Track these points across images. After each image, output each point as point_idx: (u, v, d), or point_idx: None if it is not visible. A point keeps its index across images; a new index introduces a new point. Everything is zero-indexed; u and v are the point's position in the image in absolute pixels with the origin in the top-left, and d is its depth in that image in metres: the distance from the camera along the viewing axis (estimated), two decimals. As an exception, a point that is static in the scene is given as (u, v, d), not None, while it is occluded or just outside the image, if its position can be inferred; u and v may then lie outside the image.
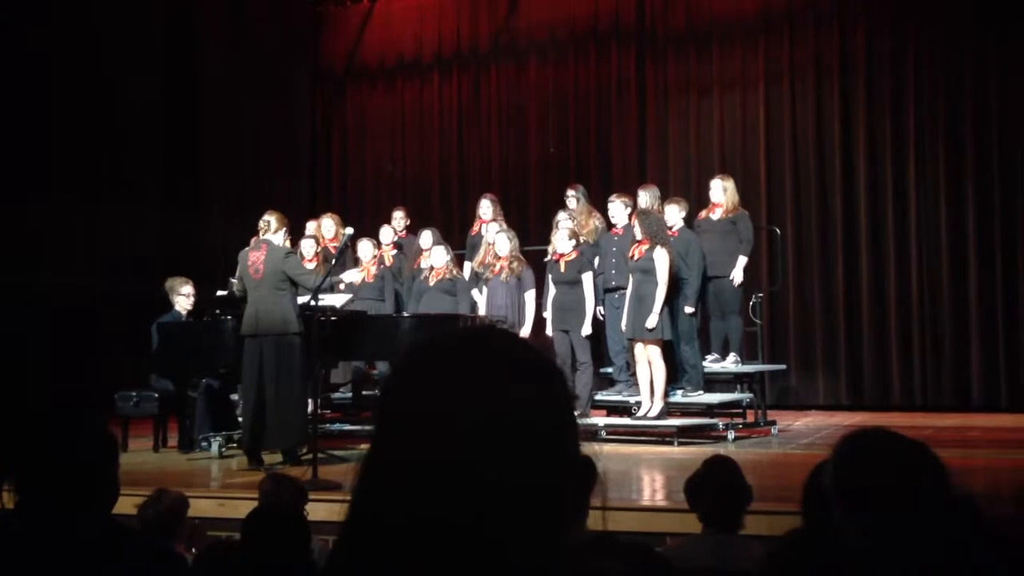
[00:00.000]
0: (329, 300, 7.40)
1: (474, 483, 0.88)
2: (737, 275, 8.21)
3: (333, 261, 7.59)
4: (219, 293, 7.85)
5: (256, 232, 7.28)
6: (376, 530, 0.91)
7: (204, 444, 7.51)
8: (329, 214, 9.29)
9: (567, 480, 0.92)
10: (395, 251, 9.25)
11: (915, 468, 1.86)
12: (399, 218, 9.71)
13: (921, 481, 1.85)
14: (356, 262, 8.84)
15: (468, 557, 0.88)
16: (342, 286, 8.12)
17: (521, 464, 0.89)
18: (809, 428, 8.49)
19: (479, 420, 0.89)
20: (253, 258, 6.87)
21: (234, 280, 7.84)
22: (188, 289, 8.13)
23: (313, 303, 6.49)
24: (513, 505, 0.89)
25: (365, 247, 8.78)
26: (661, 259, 7.44)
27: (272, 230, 6.92)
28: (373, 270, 8.75)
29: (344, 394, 8.89)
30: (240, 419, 7.35)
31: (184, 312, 8.09)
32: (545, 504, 0.90)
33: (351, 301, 7.82)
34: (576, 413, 0.96)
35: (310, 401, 6.96)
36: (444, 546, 0.88)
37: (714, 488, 3.26)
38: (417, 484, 0.89)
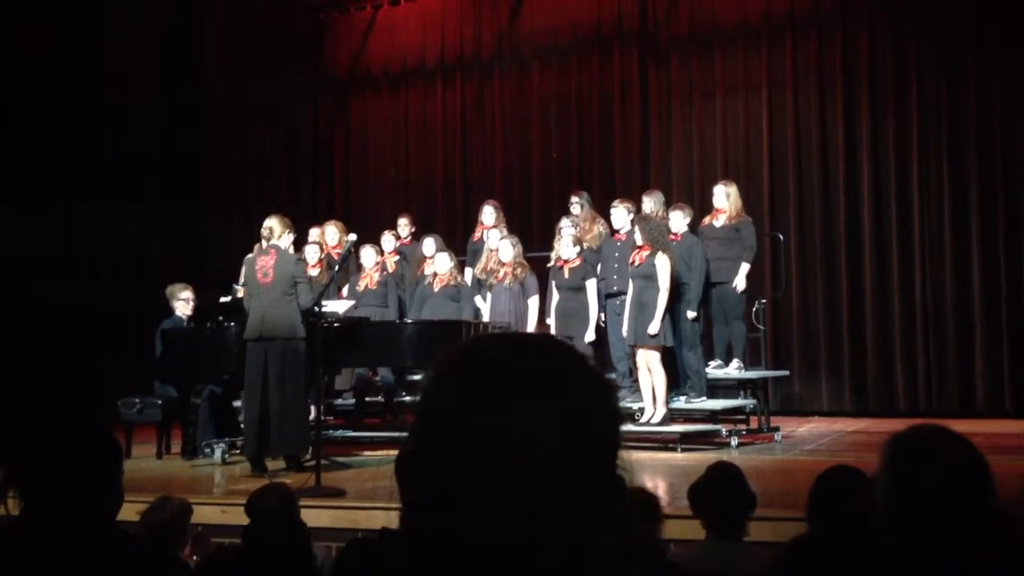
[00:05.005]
0: (332, 307, 7.40)
1: (517, 492, 0.89)
2: (740, 282, 8.20)
3: (336, 268, 7.60)
4: (222, 300, 7.86)
5: (258, 239, 7.27)
6: (419, 534, 0.92)
7: (207, 451, 7.50)
8: (333, 221, 9.29)
9: (604, 493, 0.93)
10: (397, 258, 9.24)
11: (973, 474, 1.84)
12: (404, 225, 9.69)
13: (976, 488, 1.83)
14: (359, 268, 8.84)
15: (507, 561, 0.89)
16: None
17: (564, 475, 0.90)
18: (813, 434, 8.47)
19: (527, 429, 0.90)
20: (262, 263, 6.85)
21: (238, 286, 7.84)
22: (187, 294, 8.15)
23: (316, 309, 6.49)
24: (551, 513, 0.89)
25: (368, 254, 8.78)
26: (662, 265, 7.43)
27: (277, 236, 6.90)
28: (376, 277, 8.75)
29: (347, 400, 8.88)
30: (242, 425, 7.35)
31: (185, 317, 8.10)
32: (583, 514, 0.91)
33: (354, 308, 7.82)
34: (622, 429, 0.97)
35: (312, 407, 6.95)
36: (483, 551, 0.89)
37: (718, 495, 3.25)
38: (459, 488, 0.90)
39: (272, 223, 6.94)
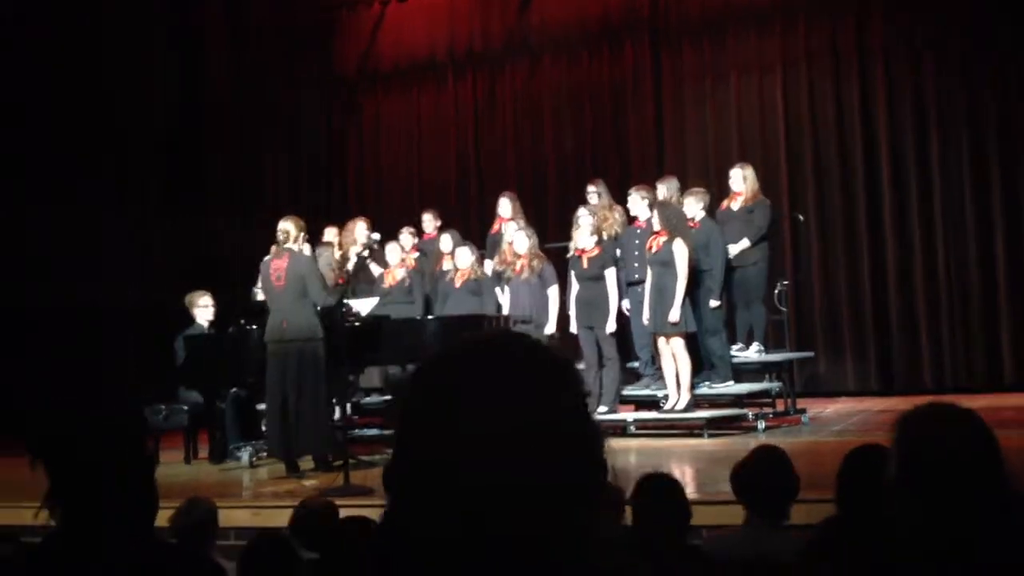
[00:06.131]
0: (357, 305, 7.43)
1: (493, 487, 0.92)
2: (733, 249, 8.10)
3: (357, 270, 7.60)
4: (243, 305, 7.90)
5: (272, 241, 7.28)
6: (405, 533, 0.95)
7: (237, 454, 7.55)
8: (360, 218, 9.15)
9: (575, 481, 0.95)
10: (417, 254, 9.22)
11: (980, 449, 1.86)
12: (429, 220, 9.63)
13: (984, 463, 1.84)
14: (385, 265, 8.84)
15: (490, 555, 0.92)
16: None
17: (533, 466, 0.93)
18: (840, 415, 8.44)
19: (494, 424, 0.93)
20: (275, 266, 6.88)
21: (257, 289, 7.87)
22: (206, 300, 8.19)
23: (343, 308, 6.52)
24: (526, 506, 0.92)
25: (392, 250, 8.76)
26: (680, 251, 7.41)
27: (293, 239, 6.93)
28: (400, 273, 8.74)
29: (373, 400, 8.87)
30: (265, 429, 7.41)
31: (206, 324, 8.14)
32: (557, 504, 0.94)
33: (380, 305, 7.83)
34: (595, 412, 1.00)
35: (337, 407, 6.99)
36: (468, 547, 0.92)
37: (762, 478, 3.23)
38: (439, 487, 0.93)
39: (288, 226, 6.96)
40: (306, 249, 7.27)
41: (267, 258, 7.15)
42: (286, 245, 6.92)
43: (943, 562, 1.81)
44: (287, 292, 6.78)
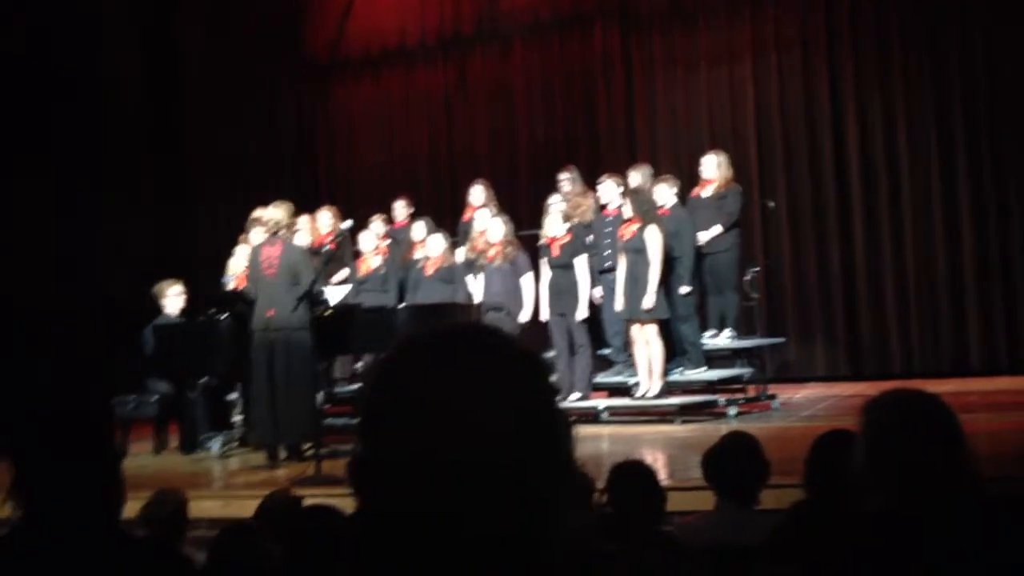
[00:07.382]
0: (330, 293, 7.39)
1: (456, 475, 0.92)
2: (704, 236, 8.15)
3: (327, 259, 7.56)
4: (212, 296, 7.83)
5: (242, 229, 7.21)
6: (371, 524, 0.95)
7: (207, 445, 7.51)
8: (327, 207, 9.15)
9: (545, 470, 0.95)
10: (388, 242, 9.18)
11: (944, 433, 1.88)
12: (401, 207, 9.59)
13: (948, 446, 1.87)
14: (356, 255, 8.80)
15: (460, 546, 0.92)
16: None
17: (503, 457, 0.93)
18: (810, 400, 8.50)
19: (460, 415, 0.93)
20: (267, 253, 6.81)
21: (226, 279, 7.80)
22: (177, 289, 8.11)
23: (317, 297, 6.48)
24: (496, 496, 0.92)
25: (367, 238, 8.72)
26: (653, 238, 7.43)
27: (284, 226, 6.89)
28: (375, 262, 8.69)
29: (344, 388, 8.83)
30: (235, 420, 7.35)
31: (176, 312, 8.06)
32: (527, 494, 0.94)
33: (353, 294, 7.79)
34: (566, 400, 1.00)
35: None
36: (436, 536, 0.92)
37: (733, 464, 3.24)
38: (405, 477, 0.93)
39: (278, 214, 6.89)
40: (300, 237, 7.19)
41: (246, 245, 7.08)
42: (280, 233, 6.86)
43: (909, 545, 1.83)
44: (278, 281, 6.72)
